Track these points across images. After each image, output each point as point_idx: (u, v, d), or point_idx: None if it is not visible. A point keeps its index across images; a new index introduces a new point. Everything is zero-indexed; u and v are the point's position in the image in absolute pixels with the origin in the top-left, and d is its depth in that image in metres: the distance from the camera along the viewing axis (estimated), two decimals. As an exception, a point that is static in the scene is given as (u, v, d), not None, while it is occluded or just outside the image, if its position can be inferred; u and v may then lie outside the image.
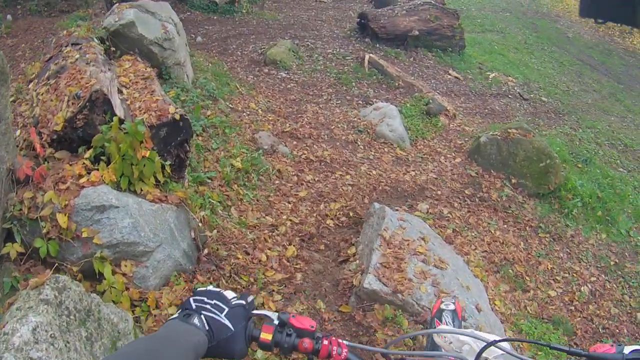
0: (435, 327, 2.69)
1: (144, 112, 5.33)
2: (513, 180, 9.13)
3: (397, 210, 6.74)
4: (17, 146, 4.85)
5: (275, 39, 13.05)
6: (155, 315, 4.33)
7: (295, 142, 8.53)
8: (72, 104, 4.98)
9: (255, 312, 1.68)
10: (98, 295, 3.62)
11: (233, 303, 1.62)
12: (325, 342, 1.67)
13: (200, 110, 7.51)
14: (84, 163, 4.67)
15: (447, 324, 2.72)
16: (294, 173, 7.62)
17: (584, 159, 11.07)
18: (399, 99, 11.09)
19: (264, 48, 12.20)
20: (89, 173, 4.61)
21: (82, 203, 4.35)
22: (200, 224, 5.30)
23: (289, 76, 11.19)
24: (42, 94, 5.43)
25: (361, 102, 10.77)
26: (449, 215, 7.91)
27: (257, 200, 6.72)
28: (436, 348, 2.09)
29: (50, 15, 12.34)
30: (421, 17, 14.08)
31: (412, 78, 11.93)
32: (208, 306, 1.58)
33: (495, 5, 22.72)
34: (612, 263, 8.45)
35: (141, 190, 4.92)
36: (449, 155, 9.63)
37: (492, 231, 7.93)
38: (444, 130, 10.45)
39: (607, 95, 15.74)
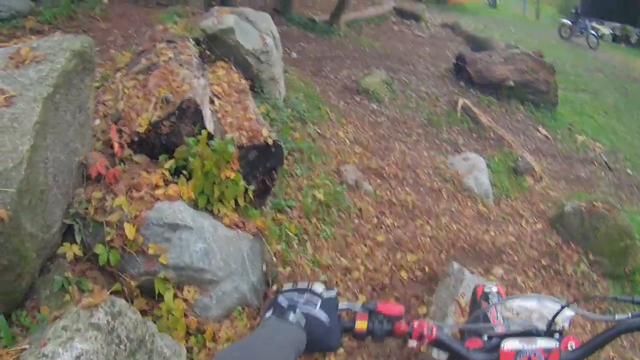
0: (483, 309, 2.45)
1: (235, 130, 5.06)
2: (591, 256, 8.53)
3: (473, 272, 6.35)
4: (94, 135, 4.65)
5: (370, 67, 12.78)
6: (209, 349, 4.05)
7: (379, 181, 8.21)
8: (160, 107, 4.73)
9: (340, 305, 1.65)
10: (154, 323, 3.39)
11: (325, 296, 1.60)
12: (416, 324, 1.66)
13: (288, 132, 7.28)
14: (163, 173, 4.41)
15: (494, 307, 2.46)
16: (374, 214, 7.30)
17: None
18: (487, 151, 10.68)
19: (358, 75, 11.93)
20: (166, 185, 4.35)
21: (154, 217, 4.07)
22: (274, 258, 5.02)
23: (380, 109, 10.89)
24: (128, 89, 5.18)
25: (449, 149, 10.40)
26: (522, 284, 7.41)
27: (334, 239, 6.40)
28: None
29: (147, 5, 12.31)
30: (517, 67, 13.60)
31: (503, 131, 11.49)
32: (301, 301, 1.56)
33: (588, 63, 22.08)
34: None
35: (219, 211, 4.64)
36: (530, 220, 9.17)
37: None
38: (529, 191, 10.01)
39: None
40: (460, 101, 11.82)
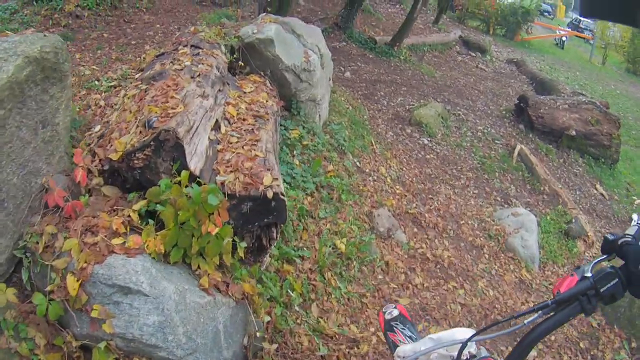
0: (392, 341, 2.55)
1: (231, 171, 3.88)
2: (633, 344, 7.29)
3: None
4: (89, 145, 3.81)
5: (427, 97, 11.55)
6: None
7: (415, 230, 6.99)
8: (140, 132, 3.65)
9: None
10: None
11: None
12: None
13: (320, 165, 6.14)
14: (129, 216, 3.39)
15: (401, 332, 2.59)
16: (403, 270, 6.09)
17: None
18: (540, 207, 9.32)
19: (412, 105, 10.68)
20: (129, 233, 3.33)
21: (104, 274, 3.10)
22: (261, 329, 3.89)
23: (430, 145, 9.64)
24: (128, 98, 4.15)
25: (499, 199, 9.08)
26: None
27: (348, 300, 5.19)
28: None
29: (200, 2, 11.25)
30: (582, 116, 12.09)
31: (559, 186, 10.08)
32: None
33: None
34: None
35: (198, 267, 3.56)
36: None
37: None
38: (578, 258, 8.64)
39: None
40: (518, 147, 10.47)
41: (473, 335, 1.67)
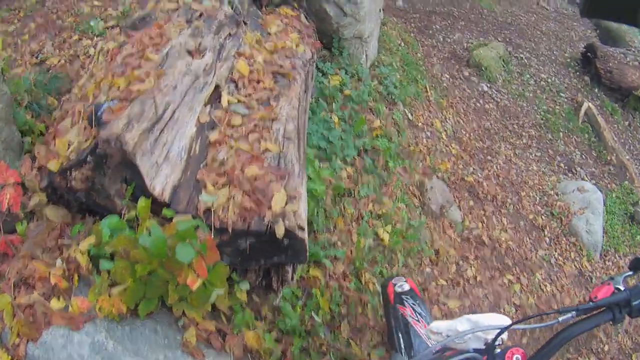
0: (401, 314, 2.48)
1: (223, 184, 2.47)
2: None
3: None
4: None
5: (486, 35, 9.93)
6: None
7: (472, 203, 5.75)
8: (85, 128, 2.39)
9: None
10: None
11: None
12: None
13: (364, 123, 4.85)
14: (75, 260, 2.24)
15: (412, 307, 2.51)
16: (455, 260, 4.93)
17: None
18: (605, 181, 7.97)
19: (471, 43, 9.12)
20: (80, 282, 2.23)
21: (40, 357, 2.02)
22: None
23: (490, 92, 8.20)
24: (100, 57, 2.84)
25: (563, 166, 7.72)
26: None
27: (386, 309, 3.94)
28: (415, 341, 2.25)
29: None
30: (653, 76, 10.52)
31: (627, 157, 8.70)
32: None
33: None
34: None
35: (183, 314, 2.38)
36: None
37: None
38: (641, 247, 7.41)
39: None
40: (585, 105, 8.97)
41: (513, 324, 1.60)
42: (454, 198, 5.50)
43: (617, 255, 6.90)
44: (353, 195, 4.36)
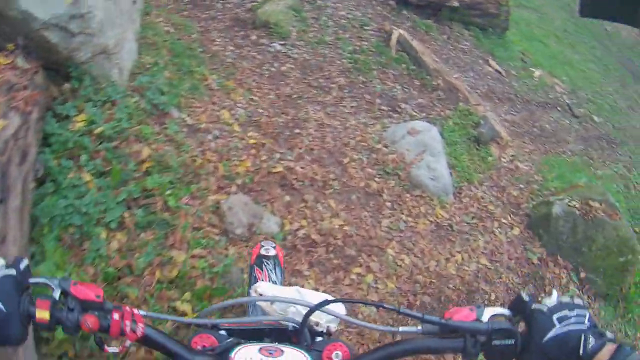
0: (255, 276, 2.43)
1: None
2: (582, 274, 5.84)
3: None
4: None
5: (272, -15, 8.83)
6: None
7: (288, 199, 4.72)
8: None
9: (32, 279, 1.19)
10: None
11: (0, 274, 1.12)
12: (116, 315, 1.20)
13: (119, 175, 3.61)
14: None
15: (268, 273, 2.46)
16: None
17: None
18: (437, 109, 7.20)
19: (256, 1, 8.00)
20: None
21: None
22: None
23: (285, 50, 7.13)
24: None
25: (385, 109, 6.83)
26: None
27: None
28: (257, 310, 1.97)
29: None
30: (464, -17, 9.84)
31: (455, 75, 7.97)
32: None
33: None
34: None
35: None
36: (504, 221, 6.05)
37: None
38: (495, 168, 6.72)
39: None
40: (395, 33, 8.12)
41: (323, 304, 1.31)
42: (263, 204, 4.47)
43: (472, 188, 6.19)
44: (132, 273, 3.21)
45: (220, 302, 1.78)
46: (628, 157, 9.40)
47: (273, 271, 2.50)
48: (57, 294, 1.17)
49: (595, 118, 9.96)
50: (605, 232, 5.77)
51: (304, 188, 4.92)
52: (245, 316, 2.28)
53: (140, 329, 1.22)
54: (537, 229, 5.97)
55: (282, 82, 6.50)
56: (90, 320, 1.16)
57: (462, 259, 5.23)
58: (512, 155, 7.11)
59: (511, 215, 6.11)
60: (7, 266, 1.15)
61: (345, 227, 4.73)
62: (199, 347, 1.33)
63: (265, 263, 2.48)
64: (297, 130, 5.68)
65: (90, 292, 1.19)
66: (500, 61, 9.66)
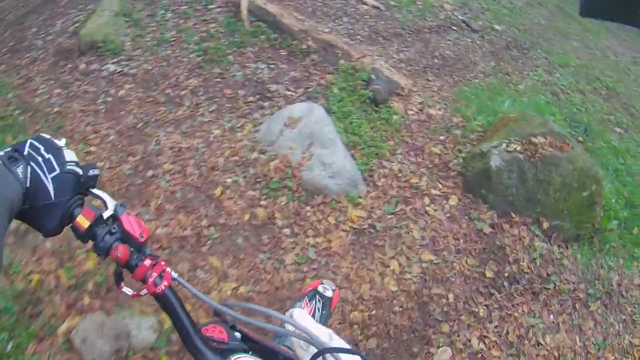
0: (302, 307, 2.34)
1: None
2: (545, 224, 4.82)
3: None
4: None
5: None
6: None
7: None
8: None
9: (93, 190, 1.24)
10: None
11: (67, 167, 1.16)
12: (147, 262, 1.20)
13: None
14: None
15: (314, 309, 2.40)
16: None
17: (582, 127, 6.83)
18: (315, 78, 5.91)
19: (78, 21, 6.50)
20: None
21: None
22: None
23: (120, 69, 5.73)
24: None
25: (253, 99, 5.52)
26: (481, 347, 3.89)
27: None
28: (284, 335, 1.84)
29: None
30: None
31: (326, 30, 6.68)
32: (40, 159, 1.13)
33: None
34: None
35: None
36: (435, 193, 4.91)
37: (546, 341, 4.12)
38: (404, 127, 5.55)
39: (554, 9, 11.03)
40: (243, 1, 6.72)
41: (336, 350, 1.23)
42: (127, 305, 3.22)
43: (384, 163, 5.01)
44: None
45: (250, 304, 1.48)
46: (544, 59, 8.36)
47: (320, 310, 2.39)
48: (106, 214, 1.19)
49: (497, 27, 8.82)
50: (560, 169, 4.72)
51: (174, 256, 3.66)
52: (267, 337, 2.00)
53: (162, 285, 1.20)
54: (477, 190, 4.86)
55: (123, 112, 5.16)
56: (121, 251, 1.15)
57: (399, 264, 4.15)
58: (420, 103, 5.92)
59: (441, 182, 4.98)
60: (79, 166, 1.18)
61: (241, 289, 3.52)
62: (207, 337, 1.31)
63: (317, 299, 2.35)
64: (150, 173, 4.41)
65: (137, 228, 1.19)
66: (373, -4, 8.39)
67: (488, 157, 4.77)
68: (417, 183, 4.86)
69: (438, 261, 4.25)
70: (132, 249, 1.18)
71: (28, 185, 1.08)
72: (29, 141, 1.15)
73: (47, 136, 1.19)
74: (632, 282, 4.98)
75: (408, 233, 4.40)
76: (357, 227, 4.32)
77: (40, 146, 1.14)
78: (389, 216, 4.50)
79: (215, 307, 1.30)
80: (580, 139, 6.53)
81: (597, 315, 4.56)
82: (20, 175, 1.06)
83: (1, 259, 0.92)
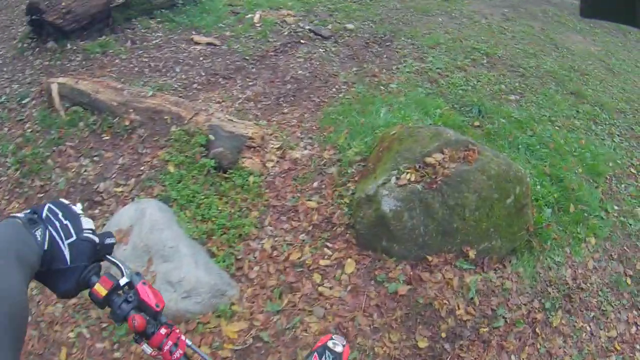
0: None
1: None
2: (471, 253, 3.96)
3: None
4: None
5: None
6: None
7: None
8: None
9: (110, 257, 1.28)
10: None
11: (84, 235, 1.20)
12: (163, 330, 1.27)
13: None
14: None
15: None
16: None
17: (474, 109, 6.05)
18: (146, 160, 4.76)
19: None
20: None
21: None
22: None
23: None
24: None
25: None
26: None
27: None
28: None
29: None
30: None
31: (150, 95, 5.46)
32: (58, 224, 1.17)
33: None
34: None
35: None
36: (324, 264, 3.96)
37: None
38: (267, 187, 4.55)
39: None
40: (53, 87, 5.49)
41: None
42: None
43: (251, 244, 4.00)
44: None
45: None
46: (412, 46, 7.48)
47: None
48: (123, 282, 1.24)
49: (350, 25, 7.85)
50: (472, 184, 3.85)
51: None
52: None
53: (178, 354, 1.25)
54: (376, 243, 3.94)
55: None
56: (138, 320, 1.20)
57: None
58: (279, 148, 4.87)
59: (329, 245, 4.01)
60: (94, 232, 1.21)
61: None
62: None
63: (327, 355, 2.09)
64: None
65: (153, 298, 1.24)
66: (207, 30, 7.29)
67: (378, 201, 3.79)
68: (299, 258, 3.86)
69: (353, 355, 3.25)
70: (147, 317, 1.21)
71: (46, 248, 1.10)
72: (47, 205, 1.18)
73: (66, 201, 1.22)
74: (586, 268, 4.43)
75: (305, 331, 3.37)
76: (239, 347, 3.27)
77: (58, 211, 1.17)
78: (275, 317, 3.48)
79: None
80: (477, 123, 5.78)
81: (563, 327, 3.92)
82: (39, 239, 1.09)
83: (26, 313, 0.92)
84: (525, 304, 3.89)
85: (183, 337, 1.28)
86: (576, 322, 3.97)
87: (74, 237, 1.15)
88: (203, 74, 6.35)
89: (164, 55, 6.69)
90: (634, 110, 7.09)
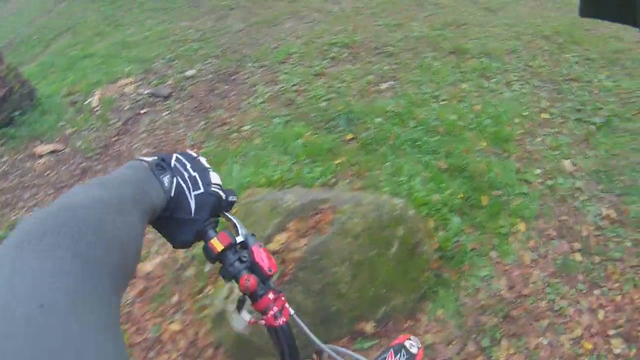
0: (384, 358, 2.05)
1: None
2: (369, 328, 3.27)
3: None
4: None
5: None
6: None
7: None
8: None
9: (229, 214, 1.24)
10: None
11: (212, 189, 1.16)
12: (271, 295, 1.19)
13: None
14: None
15: None
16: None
17: (342, 119, 5.29)
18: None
19: None
20: None
21: None
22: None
23: None
24: None
25: None
26: None
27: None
28: None
29: None
30: None
31: None
32: (186, 175, 1.14)
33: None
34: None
35: None
36: None
37: None
38: (125, 320, 3.74)
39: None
40: None
41: None
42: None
43: None
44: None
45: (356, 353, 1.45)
46: (261, 69, 6.67)
47: None
48: (238, 239, 1.19)
49: (190, 72, 7.03)
50: (338, 252, 3.09)
51: None
52: None
53: (281, 320, 1.20)
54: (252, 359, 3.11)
55: None
56: (251, 281, 1.15)
57: None
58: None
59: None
60: (220, 187, 1.18)
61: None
62: None
63: (402, 354, 2.05)
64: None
65: (267, 262, 1.20)
66: (50, 134, 6.40)
67: (228, 321, 2.95)
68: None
69: None
70: (258, 279, 1.18)
71: (172, 195, 1.08)
72: (175, 155, 1.16)
73: (194, 154, 1.20)
74: (524, 266, 3.62)
75: None
76: None
77: (187, 162, 1.16)
78: None
79: (321, 347, 1.34)
80: (349, 136, 4.95)
81: (514, 357, 3.14)
82: (166, 185, 1.07)
83: (139, 257, 0.87)
84: (457, 354, 3.11)
85: (287, 305, 1.21)
86: (528, 342, 3.13)
87: (202, 190, 1.11)
88: (51, 190, 5.54)
89: (11, 184, 5.83)
90: (525, 44, 6.33)
